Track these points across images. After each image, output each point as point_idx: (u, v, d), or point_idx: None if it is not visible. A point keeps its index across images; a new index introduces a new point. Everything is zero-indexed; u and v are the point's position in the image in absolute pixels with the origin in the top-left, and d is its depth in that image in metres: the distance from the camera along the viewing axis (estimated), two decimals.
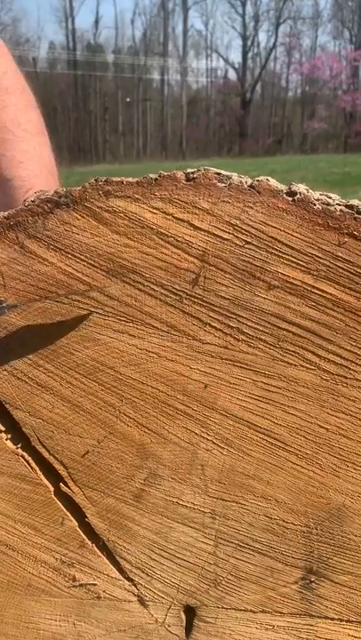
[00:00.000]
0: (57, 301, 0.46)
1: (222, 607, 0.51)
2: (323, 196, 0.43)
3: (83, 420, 0.48)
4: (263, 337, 0.45)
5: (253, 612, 0.51)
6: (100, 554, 0.51)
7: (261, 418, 0.46)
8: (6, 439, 0.49)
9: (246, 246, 0.43)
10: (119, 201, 0.44)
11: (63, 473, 0.49)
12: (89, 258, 0.45)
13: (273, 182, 0.43)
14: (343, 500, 0.47)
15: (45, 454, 0.49)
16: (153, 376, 0.47)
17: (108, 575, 0.51)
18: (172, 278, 0.45)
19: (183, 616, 0.52)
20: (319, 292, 0.44)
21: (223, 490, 0.48)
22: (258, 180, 0.43)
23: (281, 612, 0.50)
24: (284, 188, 0.43)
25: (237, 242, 0.43)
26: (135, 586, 0.51)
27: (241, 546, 0.49)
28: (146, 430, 0.48)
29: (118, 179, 0.44)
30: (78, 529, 0.51)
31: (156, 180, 0.44)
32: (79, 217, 0.44)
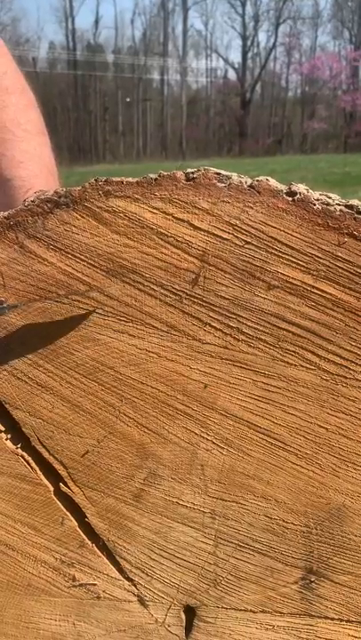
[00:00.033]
0: (57, 301, 0.46)
1: (222, 607, 0.51)
2: (323, 196, 0.43)
3: (82, 420, 0.48)
4: (263, 337, 0.45)
5: (253, 612, 0.51)
6: (100, 554, 0.51)
7: (261, 418, 0.46)
8: (6, 439, 0.49)
9: (246, 246, 0.43)
10: (119, 201, 0.44)
11: (63, 473, 0.49)
12: (89, 258, 0.45)
13: (273, 182, 0.43)
14: (343, 499, 0.47)
15: (45, 454, 0.49)
16: (153, 376, 0.47)
17: (107, 575, 0.51)
18: (171, 278, 0.45)
19: (183, 616, 0.52)
20: (319, 292, 0.44)
21: (223, 490, 0.48)
22: (258, 180, 0.43)
23: (281, 612, 0.50)
24: (283, 188, 0.43)
25: (237, 242, 0.43)
26: (135, 586, 0.51)
27: (241, 546, 0.49)
28: (146, 430, 0.48)
29: (118, 179, 0.44)
30: (78, 529, 0.51)
31: (155, 179, 0.44)
32: (79, 217, 0.44)
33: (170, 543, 0.50)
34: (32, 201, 0.45)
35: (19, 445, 0.49)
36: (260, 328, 0.45)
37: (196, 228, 0.44)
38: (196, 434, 0.47)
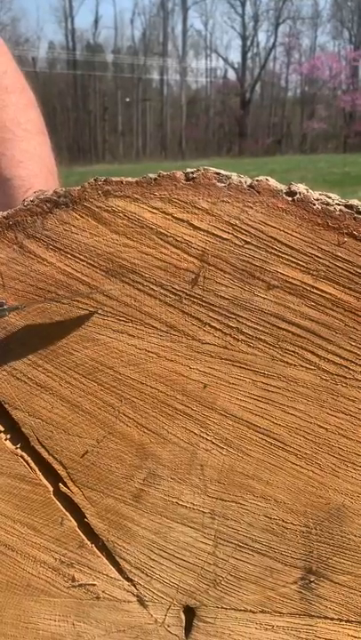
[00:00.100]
0: (56, 301, 0.46)
1: (222, 607, 0.51)
2: (322, 195, 0.43)
3: (82, 420, 0.48)
4: (263, 337, 0.45)
5: (253, 613, 0.51)
6: (100, 554, 0.51)
7: (261, 418, 0.46)
8: (5, 439, 0.49)
9: (246, 246, 0.43)
10: (118, 201, 0.44)
11: (62, 473, 0.49)
12: (88, 258, 0.45)
13: (272, 182, 0.43)
14: (343, 499, 0.47)
15: (45, 454, 0.49)
16: (152, 376, 0.46)
17: (107, 575, 0.51)
18: (171, 278, 0.45)
19: (183, 616, 0.52)
20: (319, 292, 0.44)
21: (222, 490, 0.48)
22: (257, 180, 0.43)
23: (280, 612, 0.50)
24: (283, 187, 0.43)
25: (237, 242, 0.43)
26: (134, 586, 0.51)
27: (240, 546, 0.49)
28: (145, 430, 0.48)
29: (118, 178, 0.44)
30: (77, 529, 0.50)
31: (155, 179, 0.44)
32: (78, 217, 0.44)
33: (169, 543, 0.50)
34: (31, 201, 0.45)
35: (18, 445, 0.49)
36: (260, 328, 0.45)
37: (195, 227, 0.44)
38: (195, 434, 0.47)
